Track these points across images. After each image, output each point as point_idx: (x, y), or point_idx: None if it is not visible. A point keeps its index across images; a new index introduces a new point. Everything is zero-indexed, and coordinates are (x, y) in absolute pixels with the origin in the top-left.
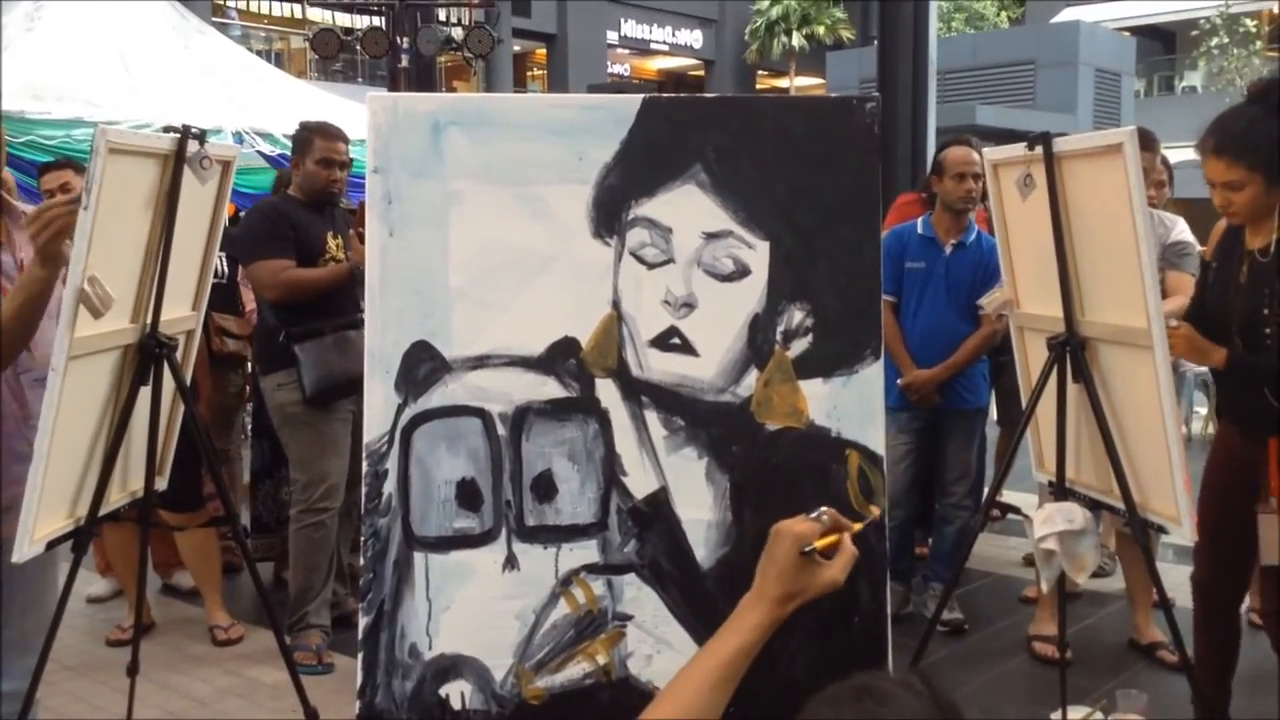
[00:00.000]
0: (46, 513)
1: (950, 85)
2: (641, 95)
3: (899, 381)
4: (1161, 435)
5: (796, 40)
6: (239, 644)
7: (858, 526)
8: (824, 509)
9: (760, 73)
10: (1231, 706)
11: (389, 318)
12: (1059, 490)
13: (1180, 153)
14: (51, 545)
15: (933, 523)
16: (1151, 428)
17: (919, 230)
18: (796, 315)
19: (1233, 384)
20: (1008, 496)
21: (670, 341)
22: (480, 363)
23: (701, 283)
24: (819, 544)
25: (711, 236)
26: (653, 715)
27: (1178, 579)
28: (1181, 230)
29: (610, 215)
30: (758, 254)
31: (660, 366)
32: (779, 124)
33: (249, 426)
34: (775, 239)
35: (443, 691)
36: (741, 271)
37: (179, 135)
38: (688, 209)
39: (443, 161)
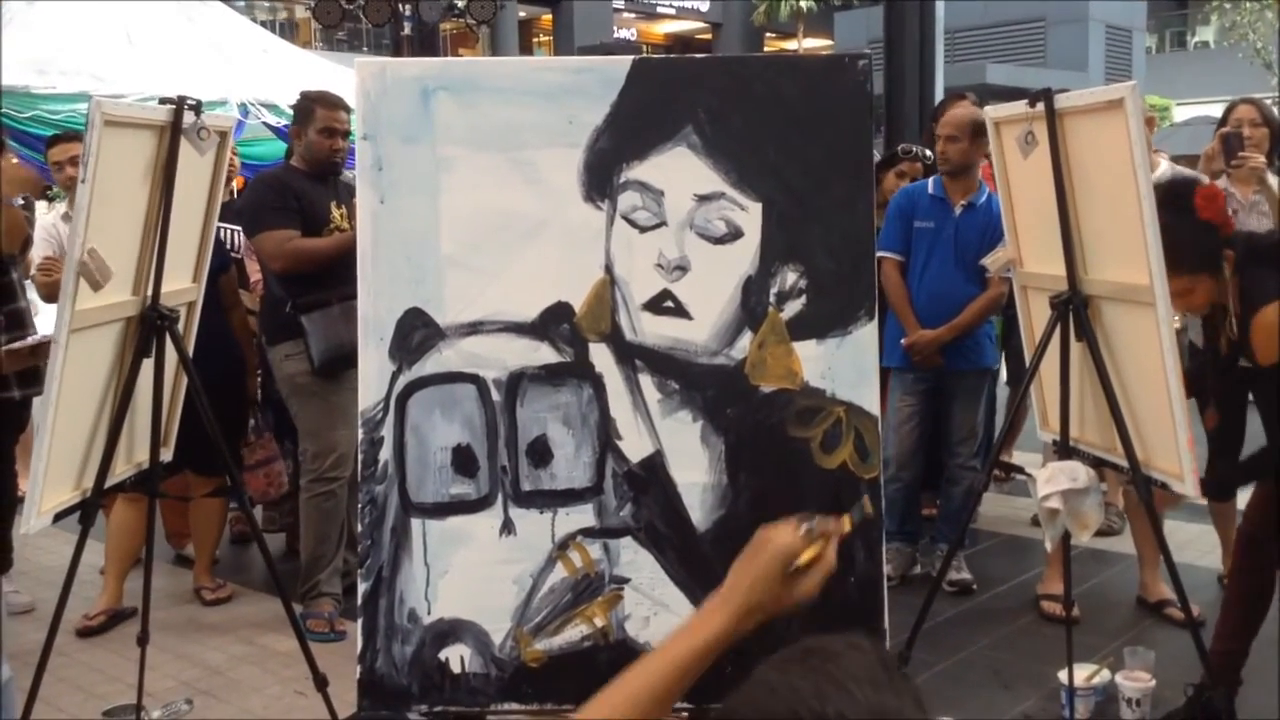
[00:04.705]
0: (53, 485)
1: (960, 44)
2: (631, 57)
3: (902, 341)
4: (1164, 393)
5: (804, 1)
6: (251, 613)
7: (845, 526)
8: (811, 521)
9: (768, 35)
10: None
11: (381, 285)
12: (1063, 449)
13: (1194, 109)
14: (59, 517)
15: (941, 485)
16: (1155, 385)
17: (930, 190)
18: (790, 276)
19: None
20: (1018, 457)
21: (663, 305)
22: (474, 329)
23: (694, 245)
24: (803, 559)
25: (704, 199)
26: (588, 715)
27: (1185, 538)
28: None
29: (601, 179)
30: (750, 215)
31: (654, 330)
32: (770, 84)
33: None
34: (768, 200)
35: (442, 655)
36: (734, 233)
37: (175, 106)
38: (679, 171)
39: (432, 127)
